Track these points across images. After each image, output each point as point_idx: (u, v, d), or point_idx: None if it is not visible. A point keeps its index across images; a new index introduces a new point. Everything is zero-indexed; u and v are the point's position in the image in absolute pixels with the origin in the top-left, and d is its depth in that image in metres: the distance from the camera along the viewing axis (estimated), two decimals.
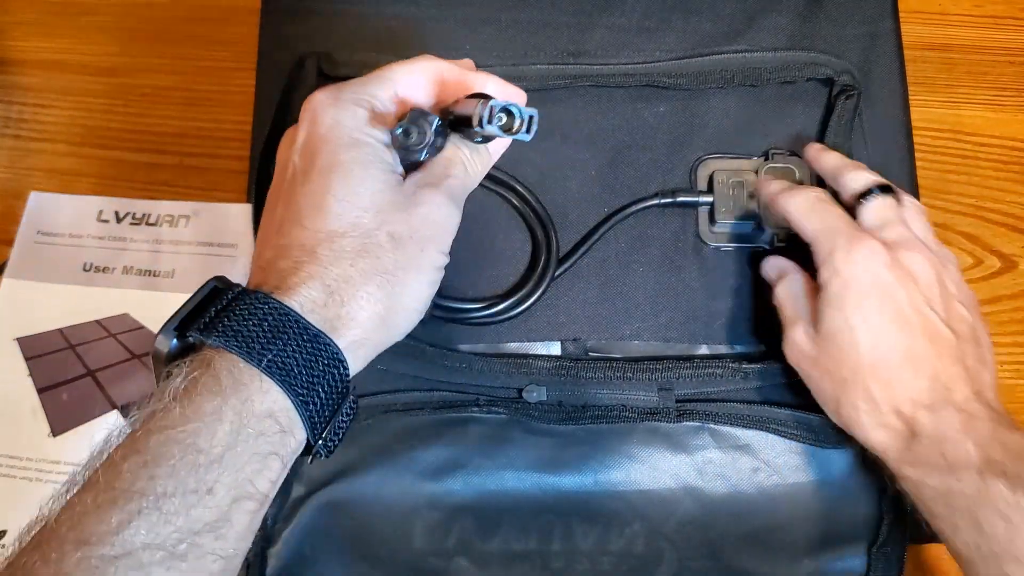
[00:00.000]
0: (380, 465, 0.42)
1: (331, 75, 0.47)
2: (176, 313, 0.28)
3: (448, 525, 0.41)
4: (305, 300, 0.28)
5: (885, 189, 0.40)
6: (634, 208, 0.46)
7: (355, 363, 0.30)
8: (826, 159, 0.43)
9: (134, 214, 0.48)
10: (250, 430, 0.26)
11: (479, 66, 0.47)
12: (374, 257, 0.30)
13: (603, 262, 0.45)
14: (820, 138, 0.47)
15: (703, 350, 0.45)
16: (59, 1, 0.54)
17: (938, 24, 0.53)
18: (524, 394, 0.43)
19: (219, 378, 0.26)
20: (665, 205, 0.46)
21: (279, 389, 0.27)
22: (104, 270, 0.46)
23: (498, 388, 0.43)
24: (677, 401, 0.43)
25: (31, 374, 0.44)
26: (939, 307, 0.37)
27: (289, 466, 0.28)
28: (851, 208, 0.40)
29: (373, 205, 0.30)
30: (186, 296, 0.44)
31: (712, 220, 0.46)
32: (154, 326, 0.45)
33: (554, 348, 0.44)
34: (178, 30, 0.53)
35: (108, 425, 0.26)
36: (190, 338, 0.27)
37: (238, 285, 0.29)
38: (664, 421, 0.42)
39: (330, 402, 0.28)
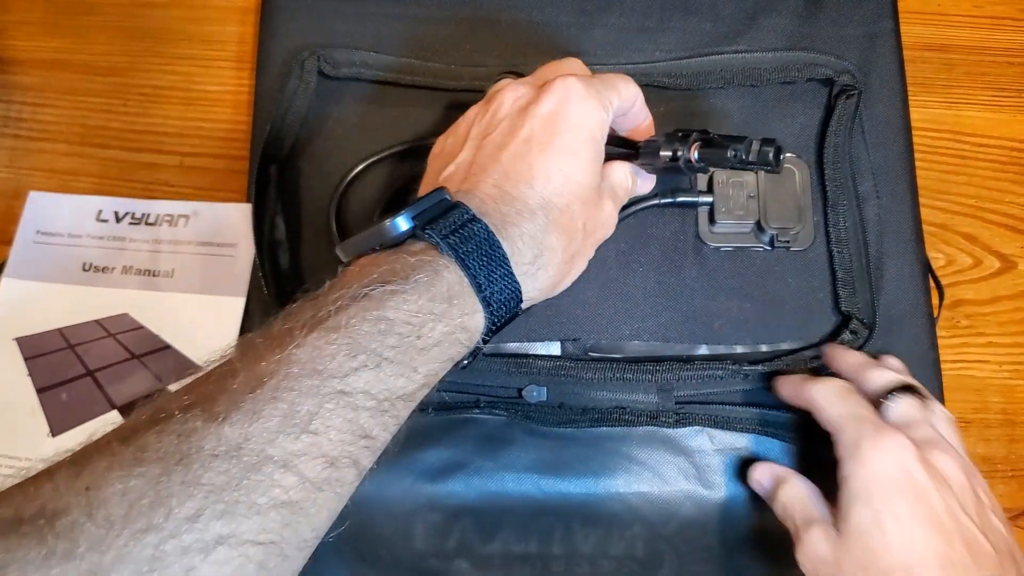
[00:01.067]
0: (380, 467, 0.42)
1: (331, 75, 0.47)
2: (413, 205, 0.32)
3: (448, 527, 0.41)
4: (518, 253, 0.32)
5: (910, 389, 0.38)
6: (634, 208, 0.46)
7: None
8: (846, 358, 0.41)
9: (133, 214, 0.48)
10: (455, 336, 0.30)
11: (478, 65, 0.48)
12: (570, 238, 0.35)
13: (603, 262, 0.45)
14: (821, 139, 0.47)
15: (703, 350, 0.45)
16: (59, 1, 0.54)
17: (937, 24, 0.53)
18: (524, 394, 0.43)
19: (451, 289, 0.30)
20: (665, 205, 0.46)
21: (483, 317, 0.31)
22: (103, 270, 0.46)
23: (498, 388, 0.43)
24: (677, 403, 0.43)
25: (30, 374, 0.44)
26: (974, 515, 0.34)
27: None
28: (875, 407, 0.37)
29: (583, 196, 0.35)
30: (185, 296, 0.45)
31: (712, 220, 0.46)
32: (153, 326, 0.45)
33: (554, 348, 0.44)
34: (178, 29, 0.53)
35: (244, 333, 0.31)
36: (427, 236, 0.31)
37: (464, 206, 0.32)
38: (664, 426, 0.43)
39: (492, 338, 0.33)
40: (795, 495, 0.38)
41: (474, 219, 0.32)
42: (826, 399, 0.38)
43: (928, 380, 0.44)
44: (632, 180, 0.40)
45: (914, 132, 0.48)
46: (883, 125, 0.48)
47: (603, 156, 0.36)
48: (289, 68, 0.47)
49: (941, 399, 0.44)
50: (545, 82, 0.36)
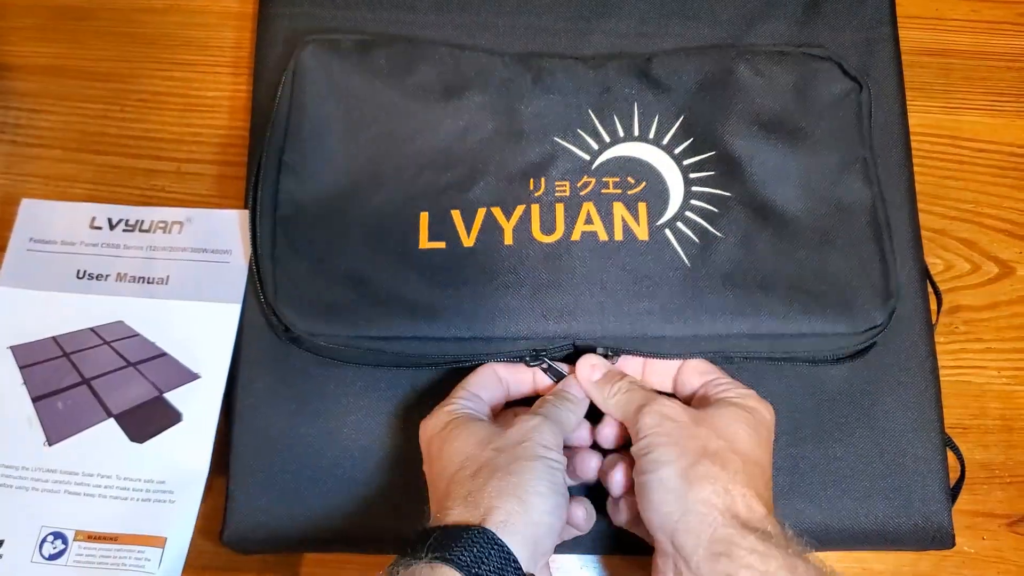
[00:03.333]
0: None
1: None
2: None
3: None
4: None
5: None
6: None
7: None
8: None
9: (127, 220, 0.47)
10: None
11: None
12: None
13: None
14: None
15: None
16: (56, 6, 0.54)
17: (936, 29, 0.53)
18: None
19: None
20: None
21: None
22: (98, 277, 0.46)
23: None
24: None
25: (25, 383, 0.43)
26: None
27: None
28: None
29: None
30: (180, 303, 0.45)
31: None
32: (149, 333, 0.45)
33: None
34: (175, 35, 0.53)
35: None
36: None
37: None
38: None
39: None
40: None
41: None
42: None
43: (926, 386, 0.44)
44: None
45: (912, 137, 0.48)
46: (881, 130, 0.48)
47: None
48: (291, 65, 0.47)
49: (939, 405, 0.44)
50: None
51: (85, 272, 0.46)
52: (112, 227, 0.47)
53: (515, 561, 0.31)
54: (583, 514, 0.38)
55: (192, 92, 0.52)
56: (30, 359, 0.44)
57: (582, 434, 0.40)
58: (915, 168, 0.48)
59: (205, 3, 0.54)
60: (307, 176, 0.44)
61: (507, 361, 0.41)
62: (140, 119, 0.51)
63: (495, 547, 0.31)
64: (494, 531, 0.31)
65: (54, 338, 0.44)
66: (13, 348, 0.44)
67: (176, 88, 0.52)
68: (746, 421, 0.37)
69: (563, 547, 0.41)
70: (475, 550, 0.30)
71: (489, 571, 0.30)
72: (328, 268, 0.42)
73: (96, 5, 0.54)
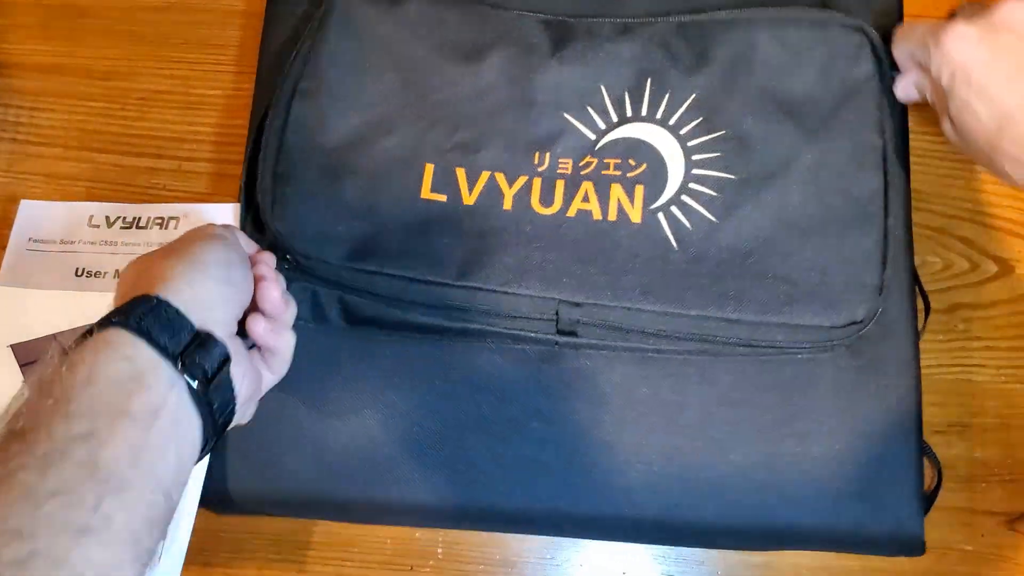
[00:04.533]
0: None
1: None
2: None
3: None
4: None
5: None
6: None
7: None
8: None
9: (124, 218, 0.47)
10: None
11: None
12: None
13: None
14: None
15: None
16: (57, 4, 0.54)
17: None
18: None
19: None
20: None
21: None
22: (97, 275, 0.46)
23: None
24: None
25: (25, 381, 0.44)
26: None
27: None
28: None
29: None
30: None
31: None
32: None
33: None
34: (176, 33, 0.53)
35: None
36: None
37: None
38: None
39: None
40: (923, 91, 0.43)
41: None
42: (895, 39, 0.44)
43: (907, 392, 0.43)
44: None
45: (912, 135, 0.48)
46: None
47: None
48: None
49: (919, 411, 0.42)
50: None
51: (84, 270, 0.46)
52: (110, 225, 0.47)
53: (183, 316, 0.32)
54: (278, 295, 0.38)
55: (193, 91, 0.52)
56: (30, 357, 0.44)
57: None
58: (915, 166, 0.48)
59: (207, 1, 0.54)
60: (320, 105, 0.45)
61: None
62: (141, 117, 0.52)
63: (159, 304, 0.32)
64: (159, 295, 0.32)
65: (54, 336, 0.45)
66: (13, 347, 0.45)
67: (177, 86, 0.52)
68: (966, 103, 0.39)
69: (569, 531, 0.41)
70: (139, 310, 0.31)
71: (154, 323, 0.31)
72: (327, 197, 0.43)
73: (96, 3, 0.54)
